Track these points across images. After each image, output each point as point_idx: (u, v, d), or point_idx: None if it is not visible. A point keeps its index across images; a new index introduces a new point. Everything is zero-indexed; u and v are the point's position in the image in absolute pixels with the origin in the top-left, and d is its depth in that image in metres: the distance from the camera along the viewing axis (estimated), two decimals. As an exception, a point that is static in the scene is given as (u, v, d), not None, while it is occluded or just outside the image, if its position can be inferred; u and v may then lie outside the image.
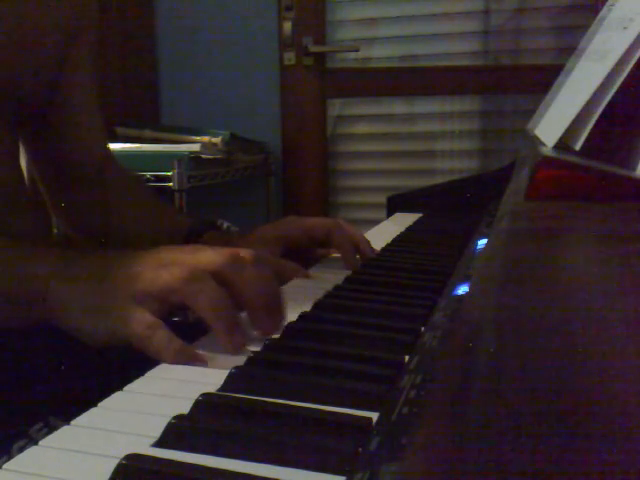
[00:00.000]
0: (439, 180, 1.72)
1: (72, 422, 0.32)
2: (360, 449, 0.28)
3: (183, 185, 1.58)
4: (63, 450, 0.30)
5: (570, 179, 0.50)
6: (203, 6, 2.09)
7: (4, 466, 0.28)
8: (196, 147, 1.69)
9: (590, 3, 1.69)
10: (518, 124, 1.68)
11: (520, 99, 1.90)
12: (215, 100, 2.10)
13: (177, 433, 0.30)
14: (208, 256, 0.45)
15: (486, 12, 1.95)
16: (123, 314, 0.44)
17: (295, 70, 2.05)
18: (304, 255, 0.72)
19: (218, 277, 0.44)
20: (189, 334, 0.44)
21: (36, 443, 0.30)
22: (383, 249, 0.74)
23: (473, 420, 0.22)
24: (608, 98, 0.51)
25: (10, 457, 0.29)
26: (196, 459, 0.28)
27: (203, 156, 1.70)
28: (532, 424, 0.21)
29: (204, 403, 0.33)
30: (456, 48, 1.97)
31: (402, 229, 0.89)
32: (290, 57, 2.04)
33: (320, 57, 2.05)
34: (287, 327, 0.45)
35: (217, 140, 1.78)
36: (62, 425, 0.32)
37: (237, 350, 0.42)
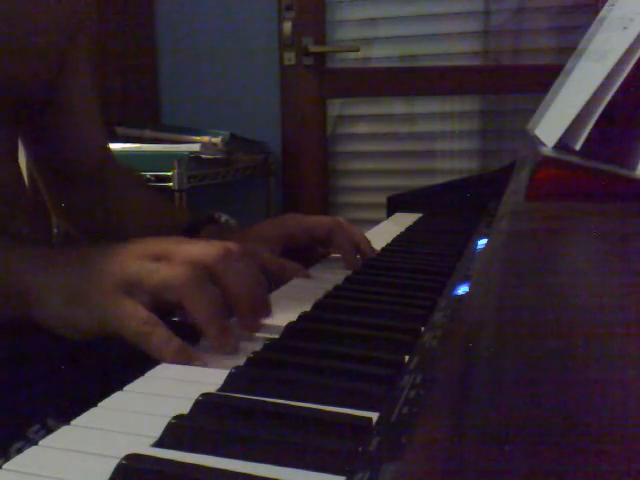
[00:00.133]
0: (439, 180, 1.72)
1: (72, 422, 0.32)
2: (360, 449, 0.28)
3: (183, 185, 1.58)
4: (63, 450, 0.30)
5: (570, 179, 0.50)
6: (203, 6, 2.09)
7: (4, 466, 0.28)
8: (196, 147, 1.69)
9: (590, 3, 1.69)
10: (518, 124, 1.68)
11: (520, 99, 1.90)
12: (215, 100, 2.10)
13: (177, 433, 0.30)
14: (199, 249, 0.44)
15: (486, 12, 1.95)
16: (111, 305, 0.42)
17: (295, 70, 2.05)
18: (304, 254, 0.72)
19: (207, 270, 0.43)
20: (188, 334, 0.44)
21: (34, 444, 0.30)
22: (383, 249, 0.74)
23: (473, 420, 0.22)
24: (608, 98, 0.51)
25: (8, 459, 0.29)
26: (196, 459, 0.28)
27: (203, 156, 1.70)
28: (532, 424, 0.21)
29: (204, 403, 0.33)
30: (456, 48, 1.97)
31: (402, 229, 0.89)
32: (290, 57, 2.04)
33: (320, 57, 2.05)
34: (287, 327, 0.45)
35: (217, 140, 1.78)
36: (60, 426, 0.32)
37: (228, 352, 0.42)
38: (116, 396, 0.36)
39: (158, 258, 0.44)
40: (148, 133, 1.85)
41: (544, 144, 0.62)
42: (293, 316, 0.47)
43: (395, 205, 1.09)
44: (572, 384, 0.23)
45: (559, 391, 0.22)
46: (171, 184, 1.57)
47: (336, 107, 2.11)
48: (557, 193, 0.50)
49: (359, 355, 0.40)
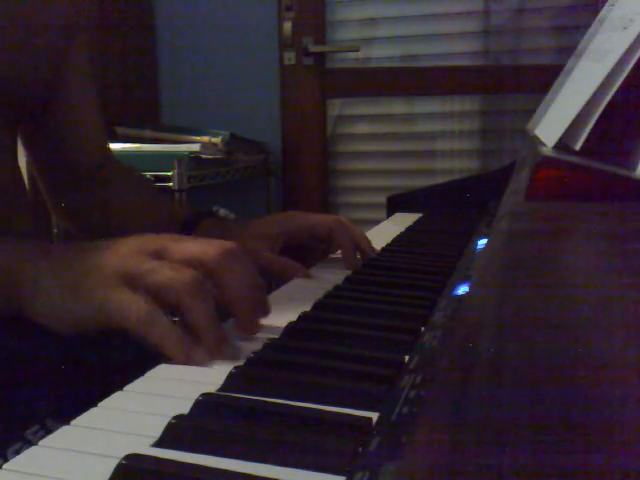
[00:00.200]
0: (439, 180, 1.72)
1: (72, 422, 0.32)
2: (360, 449, 0.28)
3: (183, 185, 1.58)
4: (63, 450, 0.30)
5: (570, 179, 0.50)
6: (203, 6, 2.09)
7: (4, 466, 0.28)
8: (196, 147, 1.69)
9: (590, 3, 1.69)
10: (518, 124, 1.68)
11: (520, 99, 1.90)
12: (215, 100, 2.10)
13: (177, 433, 0.30)
14: (199, 248, 0.44)
15: (486, 12, 1.95)
16: (112, 295, 0.41)
17: (295, 70, 2.05)
18: (305, 251, 0.72)
19: (207, 272, 0.43)
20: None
21: (33, 445, 0.30)
22: (383, 249, 0.74)
23: (473, 420, 0.22)
24: (608, 98, 0.51)
25: (6, 460, 0.29)
26: (196, 459, 0.28)
27: (203, 156, 1.70)
28: (532, 424, 0.21)
29: (204, 403, 0.33)
30: (456, 48, 1.97)
31: (402, 229, 0.89)
32: (290, 57, 2.04)
33: (320, 57, 2.05)
34: (287, 327, 0.45)
35: (217, 140, 1.78)
36: (59, 427, 0.32)
37: (222, 357, 0.41)
38: (116, 396, 0.36)
39: (157, 255, 0.44)
40: (148, 133, 1.84)
41: (544, 144, 0.62)
42: (293, 316, 0.47)
43: (395, 205, 1.09)
44: (572, 384, 0.23)
45: (559, 391, 0.22)
46: (171, 184, 1.57)
47: (336, 107, 2.11)
48: (557, 193, 0.50)
49: (359, 355, 0.40)
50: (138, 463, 0.27)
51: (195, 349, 0.40)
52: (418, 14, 1.99)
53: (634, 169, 0.47)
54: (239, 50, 2.08)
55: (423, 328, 0.44)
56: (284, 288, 0.60)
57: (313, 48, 2.02)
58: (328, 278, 0.61)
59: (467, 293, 0.48)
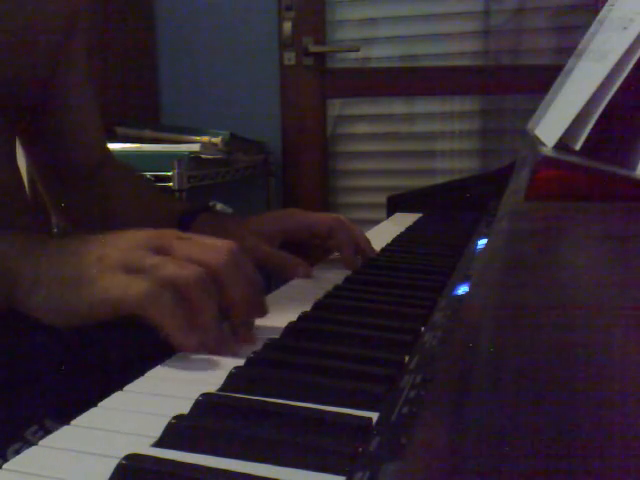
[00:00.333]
0: (439, 180, 1.72)
1: (72, 422, 0.32)
2: (360, 449, 0.28)
3: (183, 185, 1.58)
4: (63, 450, 0.30)
5: (570, 179, 0.50)
6: (203, 6, 2.09)
7: (4, 466, 0.28)
8: (196, 147, 1.69)
9: (590, 3, 1.69)
10: (518, 124, 1.68)
11: (520, 99, 1.90)
12: (215, 100, 2.10)
13: (177, 433, 0.30)
14: (204, 249, 0.43)
15: (486, 12, 1.95)
16: (114, 280, 0.41)
17: (295, 70, 2.05)
18: (304, 249, 0.72)
19: (210, 271, 0.42)
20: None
21: (32, 446, 0.30)
22: (383, 249, 0.74)
23: (473, 420, 0.22)
24: (608, 98, 0.51)
25: (6, 460, 0.29)
26: (196, 459, 0.28)
27: (203, 156, 1.70)
28: (532, 424, 0.21)
29: (204, 403, 0.33)
30: (456, 48, 1.97)
31: (402, 229, 0.89)
32: (290, 57, 2.04)
33: (320, 57, 2.05)
34: (287, 327, 0.45)
35: (217, 140, 1.78)
36: (58, 427, 0.32)
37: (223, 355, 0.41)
38: (116, 396, 0.36)
39: (161, 251, 0.43)
40: (148, 133, 1.84)
41: (544, 144, 0.62)
42: (293, 316, 0.47)
43: (395, 205, 1.09)
44: (572, 384, 0.23)
45: (559, 391, 0.22)
46: (171, 184, 1.57)
47: (336, 107, 2.11)
48: (557, 193, 0.50)
49: (359, 355, 0.40)
50: (138, 463, 0.27)
51: (194, 331, 0.40)
52: (418, 14, 1.99)
53: (634, 169, 0.47)
54: (239, 50, 2.08)
55: (423, 328, 0.44)
56: (284, 288, 0.60)
57: (313, 48, 2.02)
58: (328, 278, 0.61)
59: (467, 293, 0.48)
